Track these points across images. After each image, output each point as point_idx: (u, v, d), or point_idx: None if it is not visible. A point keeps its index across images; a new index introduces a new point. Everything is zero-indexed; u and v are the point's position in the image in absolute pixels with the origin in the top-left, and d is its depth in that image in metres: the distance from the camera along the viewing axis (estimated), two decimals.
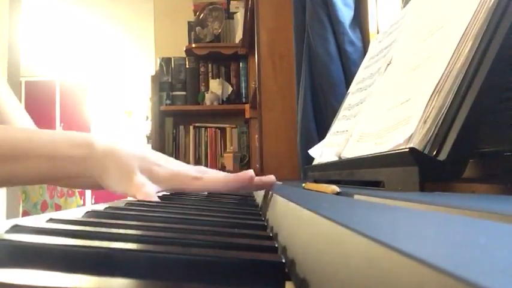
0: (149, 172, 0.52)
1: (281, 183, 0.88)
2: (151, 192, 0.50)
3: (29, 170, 0.50)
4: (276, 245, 0.23)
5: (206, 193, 0.65)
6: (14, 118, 0.78)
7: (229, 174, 0.58)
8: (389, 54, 0.64)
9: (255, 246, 0.22)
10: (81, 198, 3.59)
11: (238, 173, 0.58)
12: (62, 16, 4.17)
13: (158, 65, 2.73)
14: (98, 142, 0.51)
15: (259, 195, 0.62)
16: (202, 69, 2.72)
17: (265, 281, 0.18)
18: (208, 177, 0.55)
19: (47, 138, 0.51)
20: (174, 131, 2.73)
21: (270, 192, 0.48)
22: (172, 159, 0.57)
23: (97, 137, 0.52)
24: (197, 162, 2.66)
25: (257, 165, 1.86)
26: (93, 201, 4.32)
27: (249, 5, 1.93)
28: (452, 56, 0.40)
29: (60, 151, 0.50)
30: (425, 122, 0.39)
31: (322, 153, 0.81)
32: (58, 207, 3.08)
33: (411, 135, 0.41)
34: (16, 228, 0.22)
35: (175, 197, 0.58)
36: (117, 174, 0.51)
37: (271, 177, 0.59)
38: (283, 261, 0.18)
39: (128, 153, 0.52)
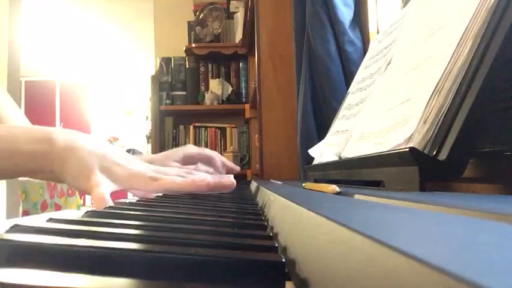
0: (108, 171, 0.52)
1: (281, 183, 0.88)
2: (104, 192, 0.50)
3: None
4: (276, 245, 0.23)
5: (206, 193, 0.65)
6: (9, 116, 0.78)
7: (189, 176, 0.58)
8: (389, 54, 0.64)
9: (255, 246, 0.22)
10: (81, 198, 3.59)
11: (196, 178, 0.58)
12: (62, 16, 4.17)
13: (158, 65, 2.73)
14: (59, 138, 0.51)
15: (259, 195, 0.62)
16: (202, 69, 2.72)
17: (265, 281, 0.18)
18: (166, 179, 0.55)
19: (7, 134, 0.51)
20: (174, 131, 2.73)
21: (270, 192, 0.48)
22: (135, 159, 0.57)
23: (58, 132, 0.52)
24: None
25: (257, 165, 1.86)
26: (93, 202, 4.30)
27: (249, 5, 1.93)
28: (452, 56, 0.40)
29: (20, 147, 0.50)
30: (425, 121, 0.39)
31: (322, 153, 0.81)
32: (58, 207, 3.08)
33: (411, 135, 0.41)
34: (16, 228, 0.22)
35: (175, 197, 0.58)
36: (76, 170, 0.51)
37: (229, 180, 0.60)
38: (283, 261, 0.18)
39: (88, 150, 0.51)
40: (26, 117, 0.86)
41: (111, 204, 0.48)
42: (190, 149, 0.70)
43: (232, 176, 0.63)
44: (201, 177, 0.59)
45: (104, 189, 0.50)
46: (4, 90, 0.81)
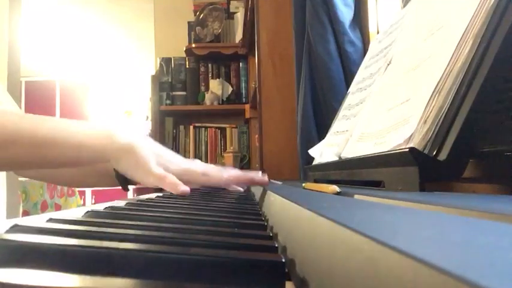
0: (164, 167, 0.59)
1: (281, 183, 0.88)
2: (175, 179, 0.57)
3: (59, 156, 0.57)
4: (276, 245, 0.23)
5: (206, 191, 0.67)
6: None
7: (232, 171, 0.70)
8: (389, 54, 0.64)
9: (255, 246, 0.22)
10: (81, 198, 3.59)
11: (239, 174, 0.70)
12: (62, 16, 4.17)
13: (158, 65, 2.73)
14: (119, 135, 0.58)
15: (259, 195, 0.62)
16: (202, 69, 2.72)
17: (265, 281, 0.18)
18: (214, 175, 0.65)
19: (76, 129, 0.58)
20: (174, 131, 2.73)
21: (270, 192, 0.48)
22: (180, 157, 0.65)
23: (118, 130, 0.60)
24: None
25: (257, 165, 1.86)
26: (93, 201, 4.31)
27: (249, 5, 1.93)
28: (452, 56, 0.40)
29: (86, 141, 0.57)
30: (425, 122, 0.39)
31: (322, 153, 0.81)
32: (58, 207, 3.08)
33: (411, 135, 0.41)
34: (16, 228, 0.22)
35: (175, 197, 0.59)
36: (134, 164, 0.58)
37: (265, 178, 0.71)
38: (283, 261, 0.18)
39: (146, 148, 0.59)
40: (12, 99, 0.87)
41: (185, 187, 0.56)
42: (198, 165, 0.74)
43: (266, 176, 0.73)
44: (245, 174, 0.71)
45: (172, 177, 0.57)
46: (4, 89, 0.82)
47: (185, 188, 0.56)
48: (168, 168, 0.60)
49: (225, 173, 0.68)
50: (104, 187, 0.78)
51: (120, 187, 0.70)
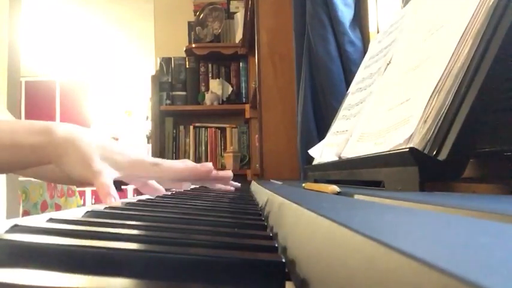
0: (110, 160, 0.53)
1: (281, 183, 0.88)
2: (107, 179, 0.50)
3: None
4: (276, 245, 0.23)
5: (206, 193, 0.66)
6: None
7: (188, 164, 0.61)
8: (389, 54, 0.64)
9: (255, 246, 0.22)
10: (81, 198, 3.59)
11: (197, 164, 0.61)
12: (62, 16, 4.17)
13: (158, 65, 2.73)
14: (58, 129, 0.52)
15: (259, 195, 0.62)
16: (202, 69, 2.72)
17: (265, 281, 0.18)
18: (167, 164, 0.57)
19: (6, 127, 0.52)
20: (174, 131, 2.73)
21: (270, 192, 0.48)
22: (132, 149, 0.58)
23: (57, 125, 0.53)
24: (197, 162, 2.66)
25: (257, 165, 1.86)
26: (93, 201, 4.31)
27: (249, 5, 1.93)
28: (452, 56, 0.40)
29: (20, 139, 0.50)
30: (425, 121, 0.39)
31: (322, 153, 0.81)
32: (58, 207, 3.08)
33: (411, 135, 0.41)
34: (16, 228, 0.22)
35: (175, 197, 0.58)
36: (76, 160, 0.51)
37: (228, 172, 0.64)
38: (283, 261, 0.18)
39: (88, 141, 0.52)
40: (12, 116, 0.86)
41: (114, 191, 0.49)
42: (188, 163, 0.70)
43: (230, 171, 0.68)
44: (202, 165, 0.61)
45: (107, 176, 0.51)
46: None
47: (111, 198, 0.48)
48: (115, 161, 0.54)
49: (180, 165, 0.60)
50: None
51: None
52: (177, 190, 0.76)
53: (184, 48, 2.66)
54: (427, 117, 0.39)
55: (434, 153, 0.37)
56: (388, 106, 0.53)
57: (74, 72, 4.77)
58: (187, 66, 2.70)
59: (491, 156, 0.41)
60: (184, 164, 0.60)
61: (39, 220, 0.26)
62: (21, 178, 2.67)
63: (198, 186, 0.97)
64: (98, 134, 0.56)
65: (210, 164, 0.61)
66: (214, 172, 0.62)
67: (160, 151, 2.66)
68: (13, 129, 0.51)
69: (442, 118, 0.38)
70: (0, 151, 0.50)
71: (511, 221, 0.16)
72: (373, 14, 1.17)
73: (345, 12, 1.14)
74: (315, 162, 0.85)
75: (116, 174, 0.54)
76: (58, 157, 0.51)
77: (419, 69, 0.48)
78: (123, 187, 3.58)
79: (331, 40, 1.14)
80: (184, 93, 2.69)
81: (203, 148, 2.71)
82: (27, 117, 4.77)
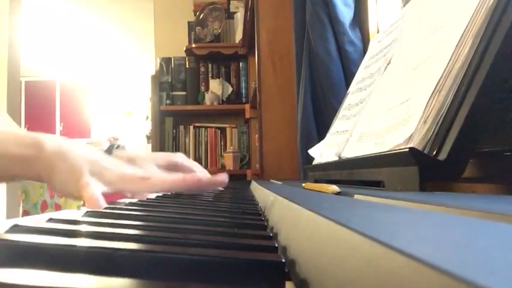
0: (98, 175, 0.52)
1: (281, 183, 0.88)
2: (95, 191, 0.49)
3: None
4: (276, 245, 0.23)
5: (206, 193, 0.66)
6: None
7: (178, 175, 0.59)
8: (389, 53, 0.64)
9: (255, 246, 0.22)
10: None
11: (186, 175, 0.59)
12: (62, 16, 4.17)
13: (158, 65, 2.73)
14: (47, 143, 0.51)
15: (259, 195, 0.62)
16: (202, 69, 2.72)
17: (265, 281, 0.18)
18: (156, 178, 0.56)
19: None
20: (174, 131, 2.73)
21: (270, 192, 0.48)
22: (123, 164, 0.57)
23: (47, 138, 0.52)
24: (197, 162, 2.66)
25: (257, 165, 1.86)
26: (84, 202, 4.29)
27: (249, 5, 1.93)
28: (452, 56, 0.40)
29: (9, 151, 0.50)
30: (425, 121, 0.39)
31: (322, 153, 0.81)
32: (58, 207, 3.08)
33: (411, 135, 0.41)
34: (16, 228, 0.22)
35: (175, 197, 0.58)
36: (65, 174, 0.50)
37: (222, 176, 0.62)
38: (283, 261, 0.18)
39: (77, 155, 0.51)
40: (7, 116, 0.85)
41: (104, 203, 0.48)
42: (179, 157, 0.68)
43: (225, 174, 0.64)
44: (192, 175, 0.59)
45: (95, 188, 0.50)
46: None
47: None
48: (104, 176, 0.53)
49: (170, 179, 0.57)
50: None
51: None
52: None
53: (184, 48, 2.66)
54: (427, 117, 0.39)
55: (434, 153, 0.37)
56: (388, 106, 0.53)
57: (74, 72, 4.77)
58: (187, 66, 2.70)
59: (491, 156, 0.41)
60: (174, 179, 0.58)
61: (39, 220, 0.26)
62: None
63: None
64: (86, 148, 0.55)
65: (199, 175, 0.59)
66: (208, 178, 0.61)
67: (160, 151, 2.66)
68: (2, 140, 0.51)
69: (442, 118, 0.38)
70: None
71: (511, 221, 0.16)
72: (373, 14, 1.17)
73: (345, 12, 1.14)
74: (315, 162, 0.85)
75: (104, 189, 0.53)
76: (46, 171, 0.51)
77: (419, 69, 0.48)
78: None
79: (331, 40, 1.14)
80: (184, 93, 2.69)
81: (203, 148, 2.71)
82: (27, 117, 4.77)
